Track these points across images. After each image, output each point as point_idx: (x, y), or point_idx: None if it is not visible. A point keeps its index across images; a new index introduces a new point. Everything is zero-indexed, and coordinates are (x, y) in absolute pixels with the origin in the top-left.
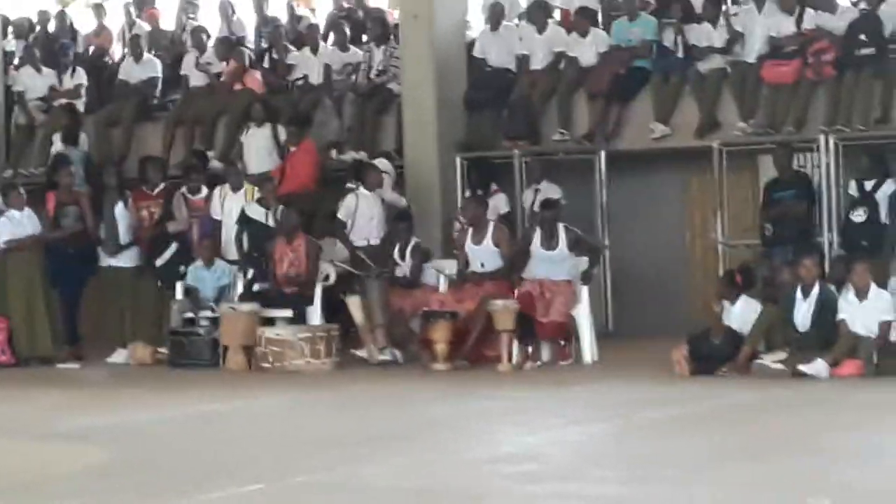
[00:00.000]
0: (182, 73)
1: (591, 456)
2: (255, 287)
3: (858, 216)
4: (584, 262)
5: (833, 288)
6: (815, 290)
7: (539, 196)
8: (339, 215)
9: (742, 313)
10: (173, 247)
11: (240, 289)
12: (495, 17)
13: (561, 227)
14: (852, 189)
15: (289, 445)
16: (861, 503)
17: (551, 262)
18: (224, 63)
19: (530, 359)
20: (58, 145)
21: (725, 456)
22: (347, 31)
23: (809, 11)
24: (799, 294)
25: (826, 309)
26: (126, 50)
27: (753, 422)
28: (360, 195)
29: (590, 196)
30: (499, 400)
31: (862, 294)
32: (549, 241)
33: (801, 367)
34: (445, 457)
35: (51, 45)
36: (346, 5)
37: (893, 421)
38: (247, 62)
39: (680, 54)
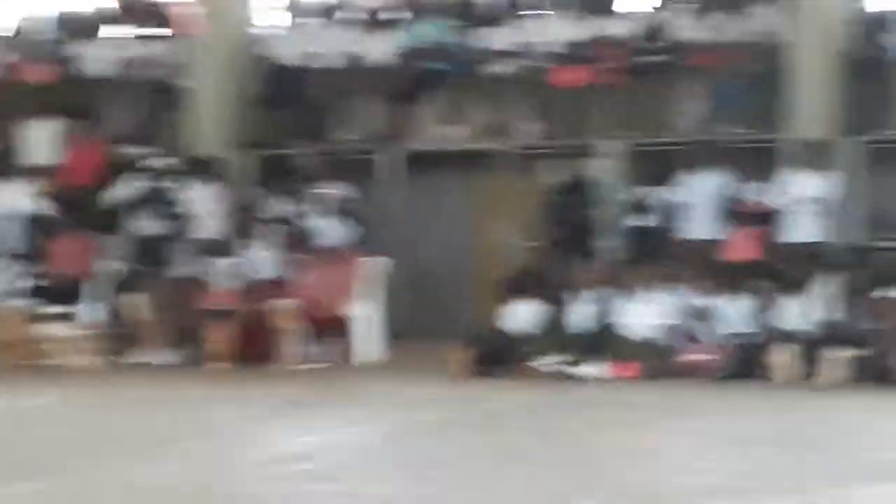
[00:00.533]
0: None
1: (368, 456)
2: (30, 283)
3: (639, 222)
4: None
5: (612, 291)
6: (594, 293)
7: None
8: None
9: (523, 315)
10: None
11: (15, 284)
12: (292, 16)
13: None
14: (630, 196)
15: (62, 445)
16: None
17: None
18: None
19: (312, 359)
20: None
21: (500, 456)
22: (138, 25)
23: (598, 18)
24: (577, 296)
25: (603, 312)
26: None
27: (529, 423)
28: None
29: (378, 196)
30: (278, 400)
31: (640, 298)
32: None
33: (579, 370)
34: (222, 458)
35: None
36: None
37: (665, 422)
38: (28, 55)
39: (471, 58)
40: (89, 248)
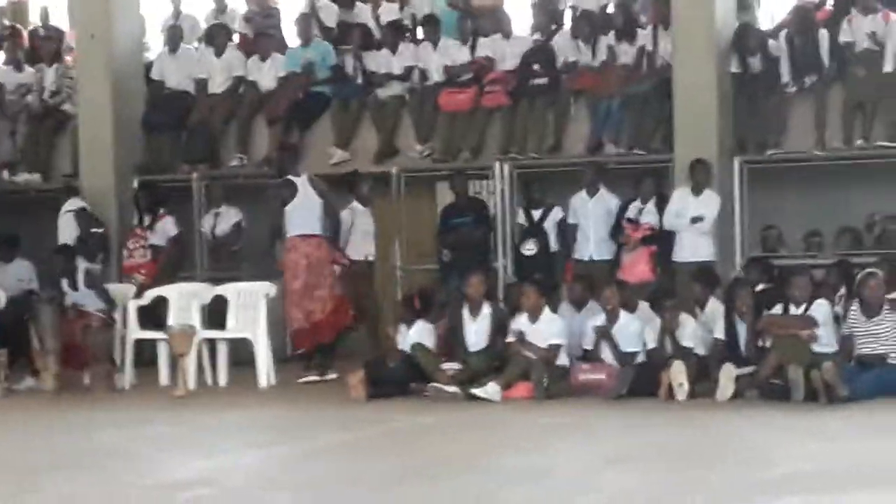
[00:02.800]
0: None
1: (268, 479)
2: None
3: (529, 250)
4: None
5: (507, 311)
6: (486, 309)
7: (219, 220)
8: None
9: (419, 337)
10: None
11: None
12: (174, 40)
13: None
14: (521, 218)
15: None
16: None
17: None
18: None
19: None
20: None
21: (401, 478)
22: (20, 50)
23: (484, 40)
24: (467, 314)
25: (497, 329)
26: None
27: (428, 444)
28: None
29: (270, 220)
30: (174, 425)
31: (533, 317)
32: None
33: (474, 391)
34: (114, 485)
35: None
36: (6, 23)
37: (559, 442)
38: None
39: (359, 80)
40: None
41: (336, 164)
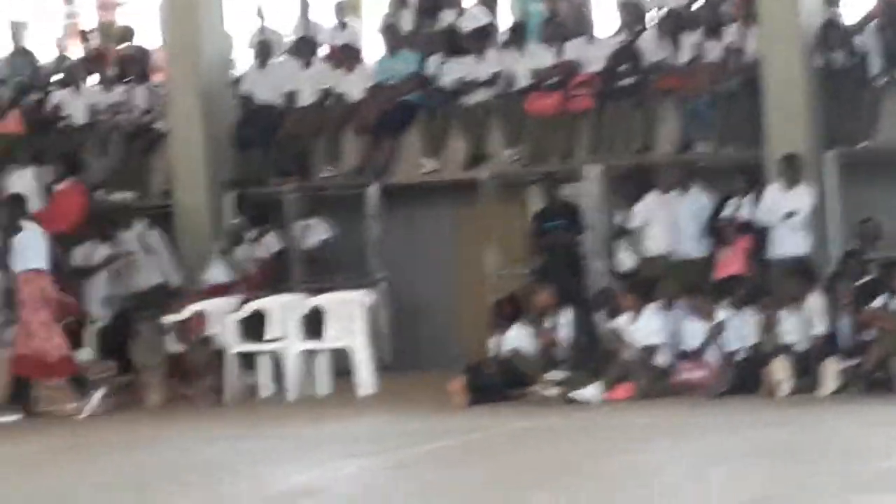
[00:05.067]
0: None
1: (371, 489)
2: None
3: (625, 244)
4: None
5: (605, 313)
6: (569, 315)
7: (308, 232)
8: None
9: (515, 342)
10: None
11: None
12: (262, 54)
13: None
14: (618, 219)
15: (60, 490)
16: None
17: None
18: None
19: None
20: None
21: (505, 484)
22: (108, 70)
23: (569, 44)
24: (570, 319)
25: (583, 332)
26: None
27: (530, 449)
28: None
29: (362, 231)
30: (277, 438)
31: (631, 317)
32: None
33: (574, 394)
34: (220, 497)
35: None
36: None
37: (662, 442)
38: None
39: (446, 88)
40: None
41: (427, 172)
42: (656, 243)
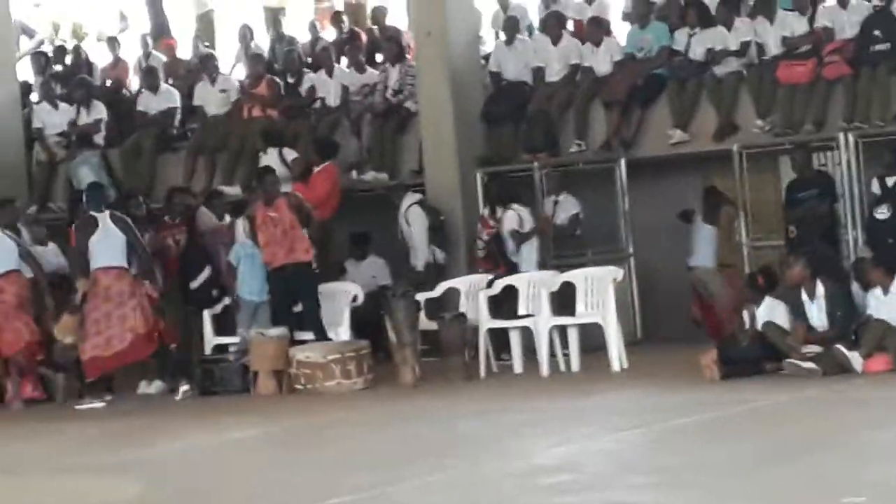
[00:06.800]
0: (195, 103)
1: (626, 464)
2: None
3: (882, 213)
4: None
5: (858, 285)
6: (820, 289)
7: (558, 208)
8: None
9: (767, 315)
10: (207, 270)
11: None
12: (510, 31)
13: None
14: (875, 187)
15: (324, 468)
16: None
17: None
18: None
19: None
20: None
21: (759, 459)
22: (362, 51)
23: (822, 9)
24: (805, 296)
25: (836, 306)
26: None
27: (786, 423)
28: None
29: (611, 205)
30: (531, 412)
31: (886, 290)
32: None
33: (840, 346)
34: (479, 471)
35: (68, 80)
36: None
37: None
38: (280, 90)
39: (695, 59)
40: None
41: (676, 144)
42: None
